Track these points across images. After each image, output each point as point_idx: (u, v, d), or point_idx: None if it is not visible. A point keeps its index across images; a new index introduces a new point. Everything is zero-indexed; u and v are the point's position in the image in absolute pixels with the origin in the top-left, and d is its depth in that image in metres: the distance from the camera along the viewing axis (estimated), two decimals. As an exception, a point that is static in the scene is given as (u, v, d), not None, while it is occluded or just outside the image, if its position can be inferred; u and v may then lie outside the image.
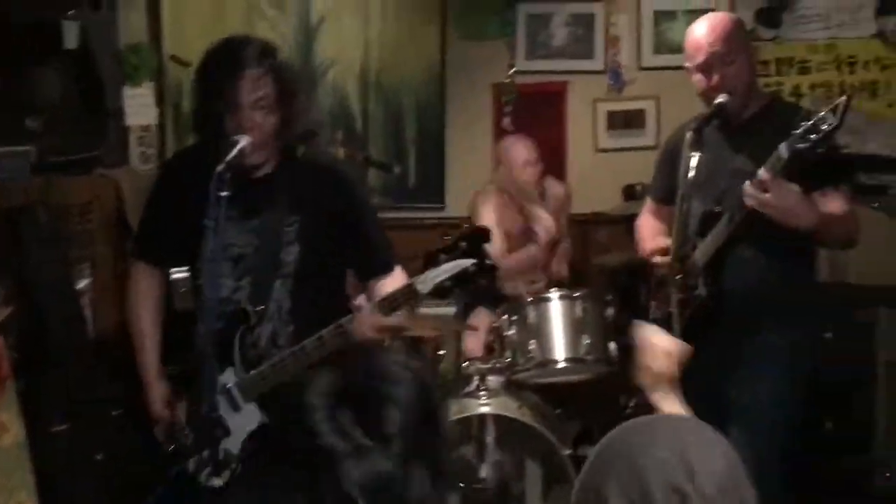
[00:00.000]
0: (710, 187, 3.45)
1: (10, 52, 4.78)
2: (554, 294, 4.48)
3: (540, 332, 4.38)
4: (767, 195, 3.08)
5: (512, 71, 5.84)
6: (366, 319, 2.90)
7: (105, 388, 4.29)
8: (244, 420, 3.10)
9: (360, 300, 2.98)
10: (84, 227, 4.77)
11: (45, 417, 4.01)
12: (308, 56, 5.72)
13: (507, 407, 4.27)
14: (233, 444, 3.11)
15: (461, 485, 4.08)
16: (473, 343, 4.80)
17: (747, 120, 3.48)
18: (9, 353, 3.49)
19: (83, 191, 4.86)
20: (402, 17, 5.76)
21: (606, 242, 5.66)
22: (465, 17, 5.79)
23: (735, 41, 3.44)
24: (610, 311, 4.40)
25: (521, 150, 5.20)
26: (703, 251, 3.44)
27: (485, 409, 4.22)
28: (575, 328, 4.37)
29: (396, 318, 2.93)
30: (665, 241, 3.61)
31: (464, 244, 2.73)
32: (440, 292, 2.76)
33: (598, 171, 5.88)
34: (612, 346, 4.34)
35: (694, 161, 3.35)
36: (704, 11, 3.93)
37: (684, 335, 3.46)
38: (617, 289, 4.74)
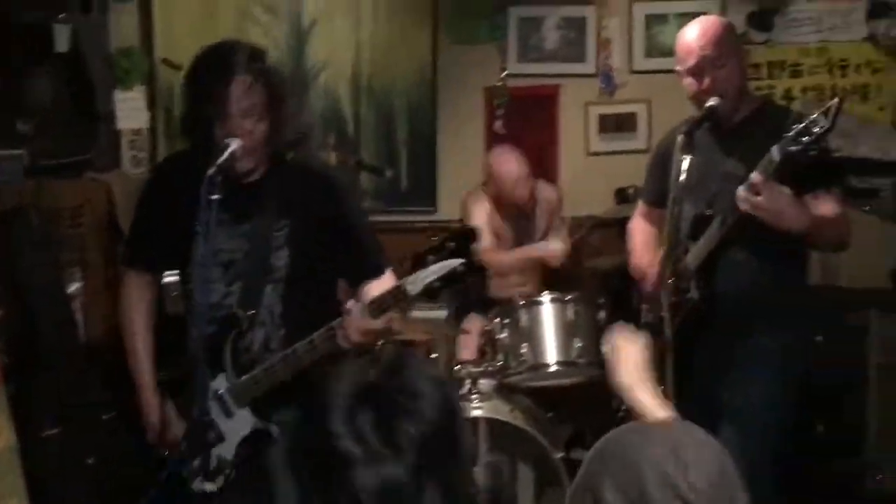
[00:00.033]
0: (702, 190, 3.45)
1: (1, 55, 4.77)
2: (546, 297, 4.48)
3: (532, 335, 4.38)
4: (759, 198, 3.08)
5: (503, 74, 5.84)
6: (355, 323, 2.89)
7: (96, 392, 4.28)
8: (237, 425, 3.10)
9: (351, 304, 2.98)
10: (75, 231, 4.77)
11: (37, 421, 4.01)
12: (300, 59, 5.73)
13: (499, 410, 4.27)
14: (226, 450, 3.10)
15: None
16: (466, 346, 4.80)
17: (739, 123, 3.49)
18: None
19: (74, 194, 4.85)
20: (394, 21, 5.76)
21: (598, 246, 5.66)
22: (457, 21, 5.79)
23: (726, 45, 3.45)
24: (602, 315, 4.41)
25: (512, 168, 5.11)
26: (695, 254, 3.44)
27: (477, 413, 4.22)
28: (567, 331, 4.37)
29: (385, 321, 2.92)
30: (653, 270, 3.65)
31: (451, 244, 2.73)
32: (429, 293, 2.75)
33: (589, 174, 5.88)
34: (604, 349, 4.34)
35: (685, 164, 3.36)
36: (696, 15, 3.93)
37: (677, 338, 3.48)
38: (609, 292, 4.74)
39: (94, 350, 4.50)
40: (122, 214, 4.82)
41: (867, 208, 5.20)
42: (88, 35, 5.26)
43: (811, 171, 3.20)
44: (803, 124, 2.99)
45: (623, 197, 5.68)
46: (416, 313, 5.04)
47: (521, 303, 4.47)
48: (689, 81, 3.47)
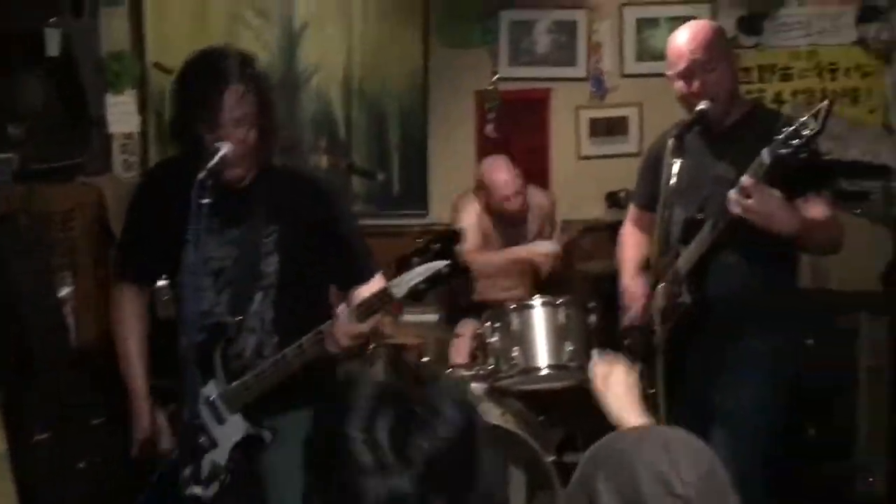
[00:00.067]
0: (693, 194, 3.46)
1: (-9, 59, 4.77)
2: (537, 301, 4.48)
3: (523, 338, 4.39)
4: (750, 201, 3.09)
5: (495, 78, 5.85)
6: (342, 326, 2.89)
7: (87, 397, 4.27)
8: (229, 431, 3.10)
9: (340, 308, 2.98)
10: (66, 235, 4.76)
11: (27, 427, 4.00)
12: (291, 62, 5.73)
13: (491, 414, 4.27)
14: (219, 456, 3.10)
15: None
16: (458, 350, 4.81)
17: (729, 127, 3.49)
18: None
19: (65, 199, 4.84)
20: (385, 24, 5.76)
21: (590, 249, 5.66)
22: (448, 24, 5.80)
23: (716, 48, 3.45)
24: (593, 318, 4.41)
25: (504, 177, 5.08)
26: (686, 258, 3.44)
27: (468, 417, 4.21)
28: (558, 335, 4.37)
29: (372, 324, 2.92)
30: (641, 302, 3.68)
31: (436, 246, 2.73)
32: (415, 295, 2.75)
33: (580, 178, 5.89)
34: (595, 352, 4.34)
35: (676, 168, 3.36)
36: (686, 19, 3.94)
37: (669, 342, 3.49)
38: (600, 296, 4.74)
39: (84, 354, 4.49)
40: (114, 218, 4.81)
41: (857, 211, 5.21)
42: (79, 39, 5.24)
43: (802, 174, 3.21)
44: (793, 127, 2.99)
45: (614, 201, 5.70)
46: (408, 317, 5.06)
47: (513, 306, 4.47)
48: (679, 85, 3.48)
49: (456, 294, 5.04)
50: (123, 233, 3.37)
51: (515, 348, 4.36)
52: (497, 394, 4.43)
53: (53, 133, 5.07)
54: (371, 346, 4.54)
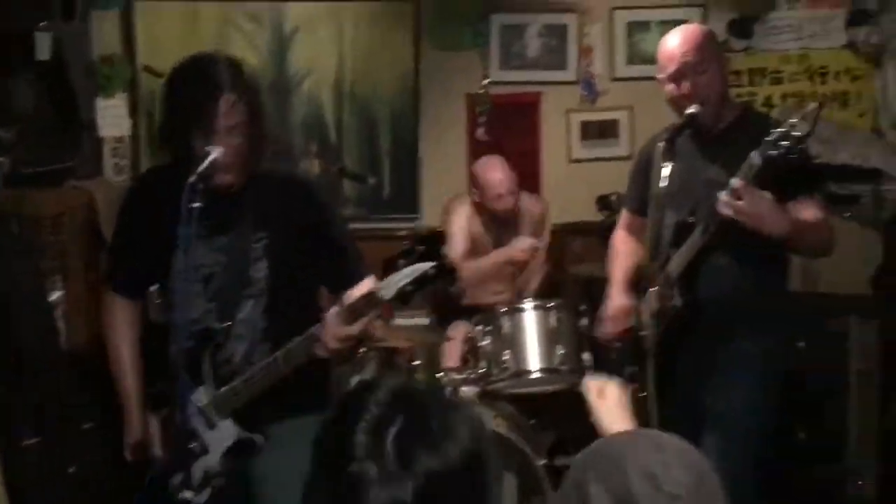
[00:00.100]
0: (684, 198, 3.47)
1: (-18, 63, 4.76)
2: (528, 304, 4.48)
3: (514, 342, 4.39)
4: (741, 202, 3.09)
5: (486, 82, 5.85)
6: (330, 329, 2.89)
7: (78, 401, 4.26)
8: (220, 437, 3.09)
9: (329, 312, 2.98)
10: (56, 239, 4.74)
11: (17, 431, 3.98)
12: (282, 66, 5.72)
13: (482, 417, 4.27)
14: (211, 461, 3.10)
15: None
16: (450, 354, 4.80)
17: (720, 130, 3.50)
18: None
19: (55, 203, 4.82)
20: (377, 28, 5.76)
21: (581, 252, 5.67)
22: (439, 28, 5.80)
23: (707, 51, 3.46)
24: (584, 322, 4.41)
25: (498, 176, 5.08)
26: (677, 261, 3.45)
27: (459, 420, 4.21)
28: (549, 338, 4.37)
29: (361, 327, 2.92)
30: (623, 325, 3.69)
31: (421, 248, 2.74)
32: (402, 297, 2.75)
33: (571, 181, 5.90)
34: (586, 356, 4.36)
35: (666, 171, 3.37)
36: (677, 22, 3.95)
37: (660, 345, 3.50)
38: (591, 299, 4.75)
39: (75, 358, 4.48)
40: (105, 222, 4.80)
41: (847, 215, 5.23)
42: (70, 43, 5.24)
43: (793, 177, 3.22)
44: (783, 129, 3.00)
45: (605, 204, 5.70)
46: (399, 321, 5.06)
47: (504, 310, 4.47)
48: (670, 88, 3.48)
49: (446, 297, 5.04)
50: (114, 238, 3.37)
51: (507, 352, 4.36)
52: (488, 397, 4.44)
53: (44, 137, 5.06)
54: (362, 350, 4.54)
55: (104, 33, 5.56)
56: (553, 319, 4.39)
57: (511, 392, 4.49)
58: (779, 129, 3.01)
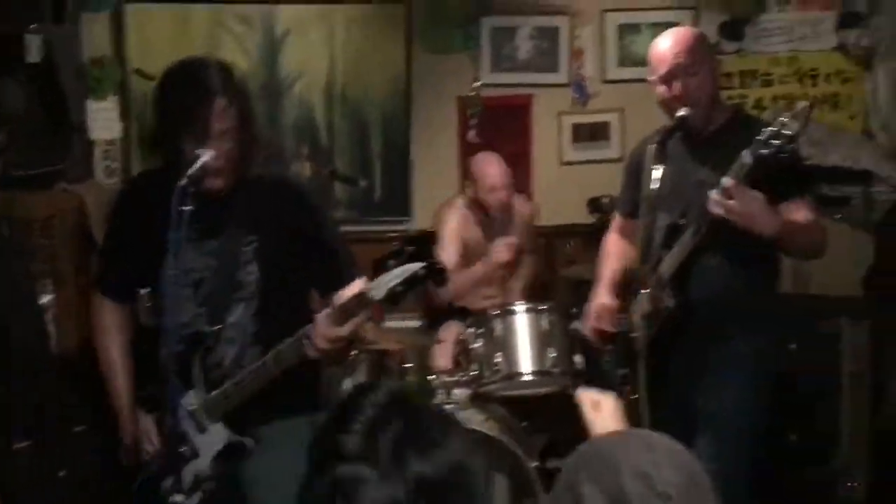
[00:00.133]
0: (675, 200, 3.47)
1: (-28, 66, 4.75)
2: (520, 307, 4.48)
3: (506, 344, 4.39)
4: (732, 202, 3.10)
5: (477, 84, 5.85)
6: (321, 331, 2.89)
7: (68, 404, 4.25)
8: (211, 440, 3.09)
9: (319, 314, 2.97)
10: (46, 242, 4.74)
11: (7, 434, 3.98)
12: (273, 69, 5.71)
13: (474, 420, 4.27)
14: (201, 465, 3.09)
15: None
16: (441, 356, 4.80)
17: (711, 132, 3.51)
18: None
19: (45, 205, 4.82)
20: (368, 31, 5.76)
21: (572, 255, 5.68)
22: (431, 31, 5.80)
23: (698, 54, 3.47)
24: (576, 324, 4.41)
25: (494, 170, 5.11)
26: (669, 263, 3.45)
27: (451, 422, 4.21)
28: (541, 341, 4.38)
29: (351, 328, 2.91)
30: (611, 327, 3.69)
31: (411, 248, 2.74)
32: (392, 298, 2.75)
33: (563, 183, 5.90)
34: (578, 358, 4.36)
35: (657, 174, 3.38)
36: (668, 24, 3.97)
37: (651, 347, 3.50)
38: (583, 301, 4.75)
39: (66, 361, 4.47)
40: (96, 225, 4.79)
41: (838, 216, 5.24)
42: (61, 45, 5.23)
43: (784, 178, 3.23)
44: (774, 128, 3.01)
45: (597, 206, 5.71)
46: (390, 323, 5.06)
47: (496, 312, 4.47)
48: (661, 90, 3.49)
49: (437, 300, 5.04)
50: (104, 242, 3.36)
51: (498, 354, 4.36)
52: (480, 400, 4.43)
53: (34, 139, 5.04)
54: (353, 353, 4.53)
55: (95, 36, 5.55)
56: (545, 322, 4.39)
57: (503, 394, 4.49)
58: (769, 129, 3.02)
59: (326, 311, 2.91)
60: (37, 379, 4.20)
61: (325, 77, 5.76)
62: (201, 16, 5.64)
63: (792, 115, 3.01)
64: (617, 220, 3.96)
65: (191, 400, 3.07)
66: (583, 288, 4.98)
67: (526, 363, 4.37)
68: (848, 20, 5.76)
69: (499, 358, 4.35)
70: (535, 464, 4.25)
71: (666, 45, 3.48)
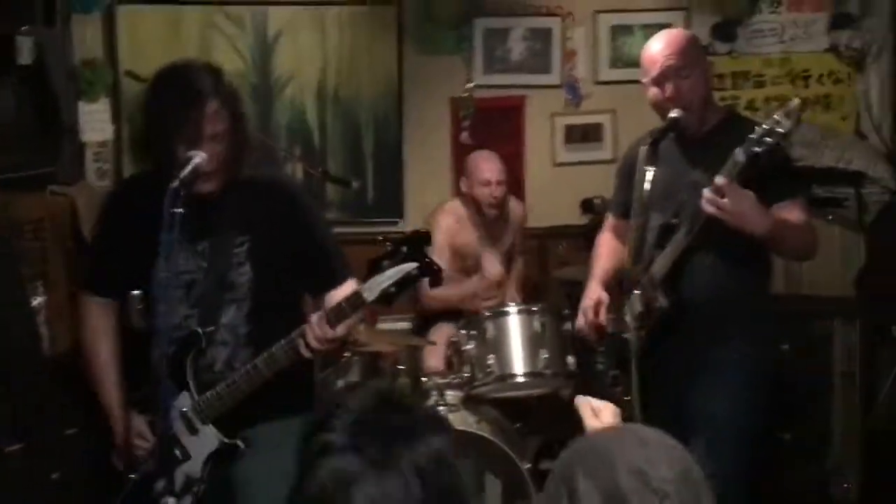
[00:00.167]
0: (668, 201, 3.47)
1: (-38, 68, 4.73)
2: (512, 308, 4.49)
3: (498, 346, 4.39)
4: (724, 200, 3.11)
5: (470, 85, 5.84)
6: (314, 332, 2.89)
7: (60, 407, 4.24)
8: (202, 443, 3.09)
9: (313, 314, 2.97)
10: (37, 245, 4.72)
11: (-1, 437, 3.97)
12: (266, 70, 5.71)
13: (466, 422, 4.27)
14: (193, 468, 3.09)
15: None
16: (434, 358, 4.80)
17: (704, 134, 3.51)
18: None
19: (36, 208, 4.80)
20: (360, 32, 5.75)
21: (565, 256, 5.68)
22: (423, 32, 5.79)
23: (690, 56, 3.47)
24: (568, 326, 4.42)
25: (491, 166, 5.15)
26: (661, 263, 3.46)
27: (444, 424, 4.21)
28: (533, 342, 4.38)
29: (345, 329, 2.91)
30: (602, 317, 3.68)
31: (405, 249, 2.74)
32: (386, 298, 2.75)
33: (556, 184, 5.90)
34: (571, 360, 4.36)
35: (649, 175, 3.38)
36: (661, 26, 3.98)
37: (645, 347, 3.50)
38: (575, 303, 4.75)
39: (58, 364, 4.46)
40: (87, 227, 4.78)
41: (830, 217, 5.25)
42: (52, 47, 5.21)
43: (777, 180, 3.24)
44: (766, 126, 3.03)
45: (589, 207, 5.72)
46: (382, 325, 5.06)
47: (488, 314, 4.47)
48: (653, 91, 3.50)
49: (424, 305, 5.04)
50: (93, 243, 3.36)
51: (491, 356, 4.36)
52: (473, 401, 4.43)
53: (25, 141, 5.03)
54: (346, 355, 4.53)
55: (86, 37, 5.53)
56: (537, 323, 4.40)
57: (496, 396, 4.49)
58: (762, 127, 3.03)
59: (320, 311, 2.91)
60: (28, 381, 4.18)
61: (318, 78, 5.75)
62: (193, 17, 5.63)
63: (784, 112, 3.02)
64: (609, 221, 3.96)
65: (183, 402, 3.06)
66: (575, 289, 5.01)
67: (518, 365, 4.38)
68: (840, 21, 5.77)
69: (491, 359, 4.35)
70: (527, 465, 4.25)
71: (658, 48, 3.49)
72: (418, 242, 2.76)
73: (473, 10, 5.81)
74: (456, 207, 5.25)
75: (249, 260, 3.08)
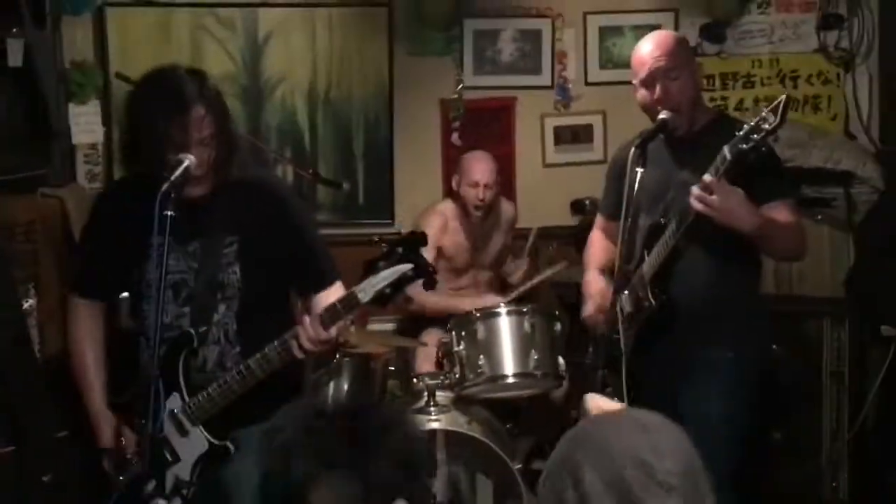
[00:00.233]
0: (657, 201, 3.49)
1: (-48, 70, 4.72)
2: (503, 309, 4.49)
3: (489, 347, 4.39)
4: (712, 197, 3.12)
5: (460, 87, 5.85)
6: (307, 333, 2.89)
7: (51, 409, 4.24)
8: (192, 444, 3.09)
9: (304, 315, 2.98)
10: (30, 247, 4.71)
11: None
12: (256, 72, 5.70)
13: (457, 422, 4.28)
14: (182, 469, 3.09)
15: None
16: (426, 362, 4.80)
17: (693, 135, 3.52)
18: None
19: (27, 210, 4.79)
20: (350, 34, 5.75)
21: (555, 257, 5.68)
22: (413, 33, 5.79)
23: (679, 57, 3.49)
24: (558, 326, 4.42)
25: (483, 165, 5.17)
26: (650, 262, 3.47)
27: (435, 425, 4.22)
28: (524, 343, 4.38)
29: (338, 330, 2.92)
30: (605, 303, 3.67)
31: (400, 250, 2.74)
32: (381, 300, 2.76)
33: (546, 185, 5.90)
34: (561, 360, 4.37)
35: (638, 176, 3.39)
36: (650, 27, 4.00)
37: (637, 346, 3.50)
38: (565, 303, 4.76)
39: (49, 366, 4.46)
40: (78, 229, 4.77)
41: (819, 218, 5.26)
42: (42, 49, 5.21)
43: (765, 180, 3.25)
44: (753, 122, 3.04)
45: (579, 208, 5.73)
46: (373, 326, 5.06)
47: (478, 315, 4.47)
48: (642, 93, 3.51)
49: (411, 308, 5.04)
50: (82, 245, 3.36)
51: (481, 356, 4.36)
52: (463, 402, 4.44)
53: (16, 144, 5.02)
54: (337, 356, 4.53)
55: (76, 39, 5.53)
56: (527, 324, 4.40)
57: (486, 397, 4.49)
58: (749, 124, 3.05)
59: (314, 313, 2.91)
60: (20, 384, 4.18)
61: (308, 80, 5.75)
62: (183, 19, 5.62)
63: (771, 109, 3.03)
64: (599, 221, 3.98)
65: (173, 403, 3.07)
66: (566, 290, 5.02)
67: (509, 365, 4.37)
68: (828, 22, 5.79)
69: (482, 360, 4.35)
70: (518, 466, 4.26)
71: (647, 49, 3.50)
72: (414, 244, 2.77)
73: (463, 11, 5.80)
74: (446, 208, 5.26)
75: (239, 260, 3.09)
